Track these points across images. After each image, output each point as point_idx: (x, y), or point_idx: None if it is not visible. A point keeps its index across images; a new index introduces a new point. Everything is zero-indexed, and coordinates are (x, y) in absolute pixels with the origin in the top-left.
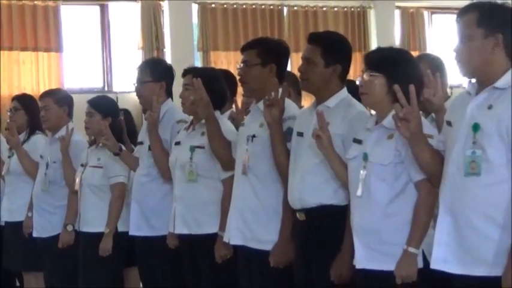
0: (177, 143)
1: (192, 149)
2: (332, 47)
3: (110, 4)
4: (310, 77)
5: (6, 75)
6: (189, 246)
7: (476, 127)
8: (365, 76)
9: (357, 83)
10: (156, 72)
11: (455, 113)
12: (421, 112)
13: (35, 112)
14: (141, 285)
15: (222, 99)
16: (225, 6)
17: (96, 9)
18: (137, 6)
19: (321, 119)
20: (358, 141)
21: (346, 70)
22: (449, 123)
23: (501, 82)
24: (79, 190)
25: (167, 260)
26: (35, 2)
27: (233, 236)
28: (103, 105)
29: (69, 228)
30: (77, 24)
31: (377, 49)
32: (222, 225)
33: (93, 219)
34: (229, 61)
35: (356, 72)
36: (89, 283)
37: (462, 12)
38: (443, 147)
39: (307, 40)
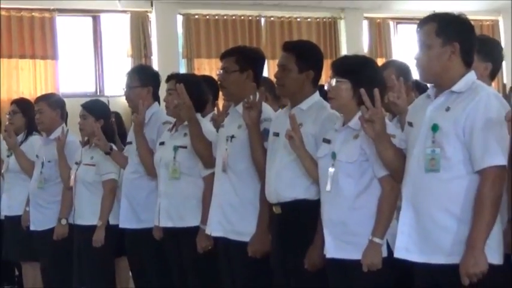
0: (162, 143)
1: (176, 148)
2: (305, 55)
3: (102, 15)
4: (285, 83)
5: (6, 81)
6: (173, 238)
7: (435, 127)
8: (332, 82)
9: (325, 88)
10: (143, 78)
11: (416, 114)
12: (386, 114)
13: (32, 115)
14: (130, 274)
15: (203, 102)
16: (207, 17)
17: (88, 20)
18: (126, 17)
19: (293, 121)
20: (327, 141)
21: (318, 75)
22: (410, 124)
23: (458, 86)
24: (74, 186)
25: (154, 251)
26: (33, 14)
27: (214, 229)
28: (96, 108)
29: (63, 221)
30: (71, 33)
31: (343, 57)
32: (203, 218)
33: (87, 213)
34: (211, 68)
35: (328, 78)
36: (83, 272)
37: (422, 23)
38: (405, 146)
39: (282, 48)
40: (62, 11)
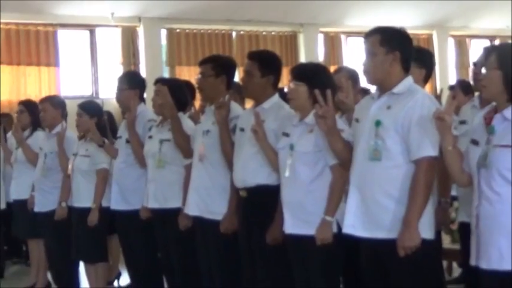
0: (150, 137)
1: (161, 141)
2: (266, 62)
3: (97, 29)
4: (250, 86)
5: (15, 85)
6: (159, 217)
7: (378, 123)
8: (291, 85)
9: (285, 90)
10: (131, 82)
11: (362, 112)
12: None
13: (37, 114)
14: (121, 249)
15: (184, 103)
16: (187, 31)
17: (86, 33)
18: (118, 31)
19: (257, 118)
20: (286, 135)
21: (277, 80)
22: (357, 120)
23: (397, 89)
24: (71, 174)
25: (141, 229)
26: (38, 28)
27: (191, 209)
28: (90, 108)
29: (63, 204)
30: (70, 44)
31: (300, 64)
32: (184, 201)
33: (83, 197)
34: (191, 74)
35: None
36: (80, 247)
37: (368, 34)
38: (352, 139)
39: (247, 57)
40: (63, 25)
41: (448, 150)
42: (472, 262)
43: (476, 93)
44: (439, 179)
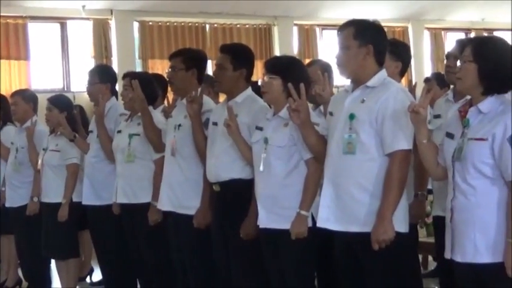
0: (119, 131)
1: (130, 136)
2: (238, 55)
3: (68, 22)
4: (222, 79)
5: None
6: (128, 213)
7: (352, 116)
8: (265, 78)
9: (259, 83)
10: (102, 75)
11: (336, 105)
12: (310, 105)
13: (7, 108)
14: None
15: (154, 96)
16: (159, 24)
17: (56, 26)
18: (90, 23)
19: (230, 112)
20: (260, 129)
21: (250, 73)
22: (331, 113)
23: (371, 82)
24: (41, 169)
25: (112, 224)
26: (8, 20)
27: (164, 204)
28: (60, 102)
29: (35, 199)
30: (41, 38)
31: (274, 57)
32: (154, 196)
33: (53, 192)
34: (163, 67)
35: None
36: (50, 243)
37: (342, 27)
38: (326, 133)
39: (219, 50)
40: (33, 18)
41: (422, 144)
42: (447, 255)
43: (451, 87)
44: (415, 172)
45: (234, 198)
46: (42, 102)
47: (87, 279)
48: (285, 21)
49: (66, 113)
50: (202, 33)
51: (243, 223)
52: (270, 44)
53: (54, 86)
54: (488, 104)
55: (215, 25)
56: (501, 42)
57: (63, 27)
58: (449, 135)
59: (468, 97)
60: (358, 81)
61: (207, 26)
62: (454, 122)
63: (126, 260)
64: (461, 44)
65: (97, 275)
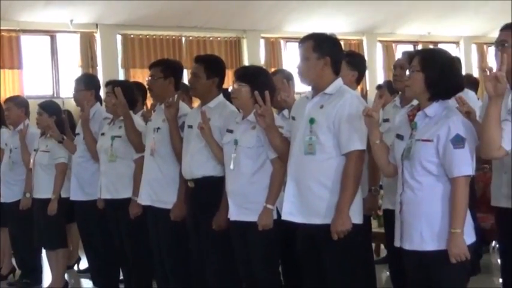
0: (102, 134)
1: (112, 138)
2: (211, 65)
3: (58, 35)
4: (197, 87)
5: None
6: (111, 207)
7: (312, 120)
8: (235, 86)
9: (230, 90)
10: (87, 83)
11: (298, 110)
12: (274, 109)
13: (1, 113)
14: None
15: (133, 102)
16: (140, 36)
17: (47, 39)
18: (77, 36)
19: (203, 116)
20: (230, 131)
21: (221, 81)
22: (293, 118)
23: (329, 89)
24: (33, 168)
25: (97, 218)
26: (2, 34)
27: (144, 199)
28: (49, 107)
29: (27, 195)
30: (33, 49)
31: (243, 67)
32: (135, 191)
33: (43, 189)
34: (144, 76)
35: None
36: (42, 235)
37: (302, 40)
38: (290, 135)
39: (194, 61)
40: (25, 31)
41: (375, 144)
42: (396, 244)
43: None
44: (369, 170)
45: (207, 193)
46: (34, 107)
47: (75, 268)
48: (253, 35)
49: (56, 117)
50: (178, 45)
51: (215, 216)
52: (240, 55)
53: (44, 93)
54: (433, 108)
55: (190, 38)
56: (445, 53)
57: (52, 39)
58: (399, 137)
59: (415, 103)
60: (317, 89)
61: (183, 39)
62: (403, 125)
63: (109, 249)
64: (409, 56)
65: (83, 264)
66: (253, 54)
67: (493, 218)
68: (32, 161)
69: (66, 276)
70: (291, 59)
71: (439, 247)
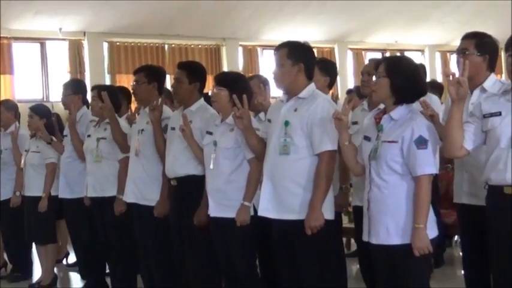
0: (88, 136)
1: (98, 139)
2: (193, 71)
3: (47, 42)
4: (179, 91)
5: None
6: (97, 204)
7: (286, 123)
8: (215, 90)
9: (210, 94)
10: (75, 88)
11: (274, 113)
12: (251, 112)
13: None
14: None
15: (118, 106)
16: (126, 44)
17: (37, 46)
18: (66, 43)
19: (185, 119)
20: (210, 133)
21: (203, 86)
22: (269, 120)
23: (302, 94)
24: (24, 168)
25: (84, 214)
26: None
27: (129, 197)
28: (40, 110)
29: (18, 194)
30: (24, 55)
31: (222, 72)
32: (119, 190)
33: (34, 187)
34: (129, 81)
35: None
36: (32, 231)
37: (278, 48)
38: (266, 136)
39: (177, 67)
40: (17, 38)
41: (344, 145)
42: (365, 238)
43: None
44: (340, 169)
45: (188, 191)
46: (25, 110)
47: (64, 262)
48: (232, 43)
49: (46, 120)
50: (161, 52)
51: (196, 212)
52: (219, 61)
53: (35, 97)
54: (398, 112)
55: (173, 45)
56: (409, 61)
57: (42, 46)
58: (367, 138)
59: (382, 106)
60: (291, 93)
61: (166, 46)
62: (370, 127)
63: (96, 245)
64: (376, 62)
65: (72, 258)
66: (232, 61)
67: (455, 214)
68: (23, 161)
69: (55, 269)
70: (267, 65)
71: (404, 241)
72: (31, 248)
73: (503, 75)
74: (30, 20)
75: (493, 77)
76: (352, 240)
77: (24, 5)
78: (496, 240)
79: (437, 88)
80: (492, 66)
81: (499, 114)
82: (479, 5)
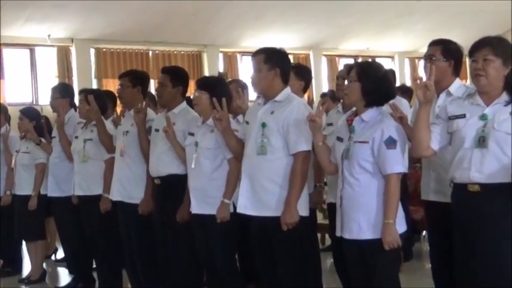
0: (76, 137)
1: (85, 141)
2: (176, 75)
3: (36, 48)
4: (163, 95)
5: None
6: (84, 202)
7: (264, 125)
8: (196, 93)
9: (191, 98)
10: (63, 92)
11: (251, 116)
12: (230, 115)
13: None
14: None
15: (104, 108)
16: (112, 50)
17: (26, 52)
18: (54, 49)
19: (168, 121)
20: (192, 134)
21: (185, 90)
22: (247, 122)
23: (279, 97)
24: (14, 168)
25: (72, 212)
26: None
27: (115, 195)
28: (30, 112)
29: (8, 193)
30: (14, 61)
31: (204, 77)
32: (105, 188)
33: (24, 186)
34: (115, 85)
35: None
36: (22, 228)
37: (255, 54)
38: (244, 137)
39: (161, 71)
40: (7, 44)
41: (318, 146)
42: (338, 233)
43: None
44: (314, 168)
45: (171, 189)
46: (15, 113)
47: (52, 257)
48: (213, 49)
49: (35, 122)
50: (146, 58)
51: (179, 210)
52: (201, 66)
53: (25, 100)
54: (369, 114)
55: (157, 52)
56: (379, 66)
57: (32, 52)
58: (339, 139)
59: (354, 109)
60: (268, 97)
61: (150, 52)
62: (343, 129)
63: (83, 241)
64: (348, 67)
65: (60, 254)
66: (212, 66)
67: (423, 211)
68: (13, 161)
69: (44, 265)
70: (246, 70)
71: (375, 236)
72: (21, 244)
73: (468, 80)
74: (20, 27)
75: (458, 82)
76: (327, 236)
77: (14, 13)
78: (460, 236)
79: (406, 92)
80: (457, 71)
81: (464, 116)
82: (445, 14)
